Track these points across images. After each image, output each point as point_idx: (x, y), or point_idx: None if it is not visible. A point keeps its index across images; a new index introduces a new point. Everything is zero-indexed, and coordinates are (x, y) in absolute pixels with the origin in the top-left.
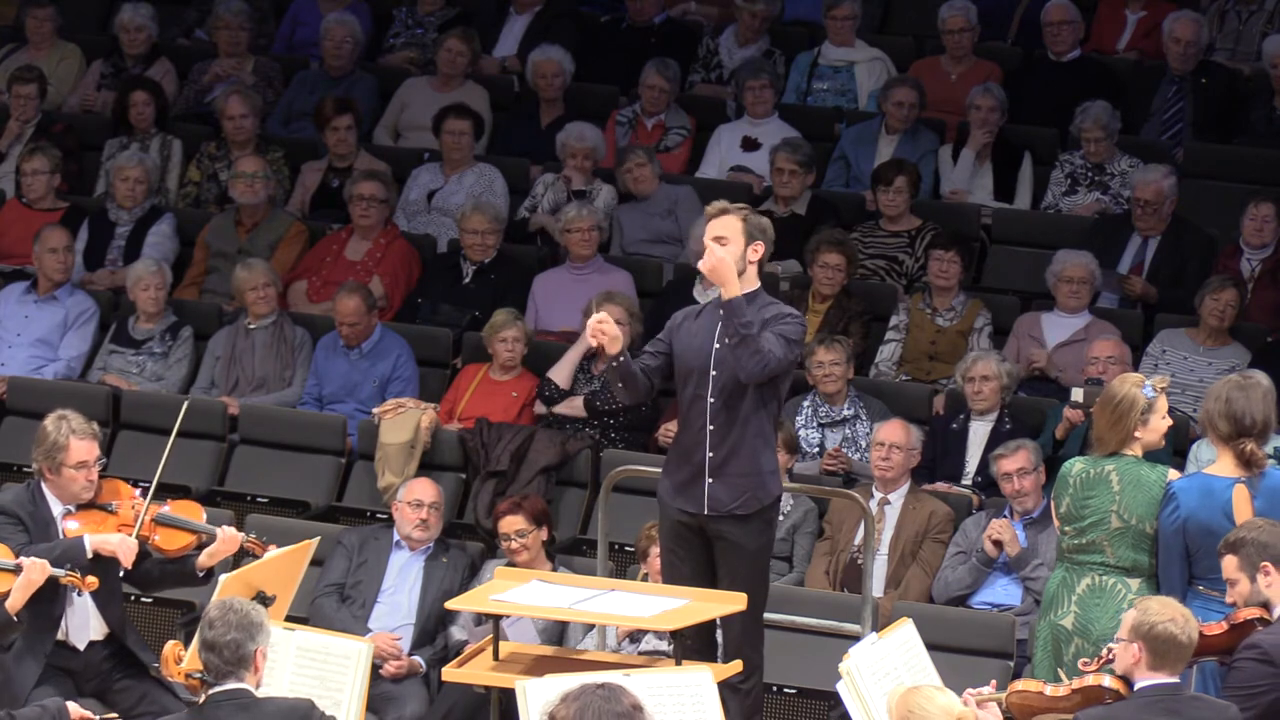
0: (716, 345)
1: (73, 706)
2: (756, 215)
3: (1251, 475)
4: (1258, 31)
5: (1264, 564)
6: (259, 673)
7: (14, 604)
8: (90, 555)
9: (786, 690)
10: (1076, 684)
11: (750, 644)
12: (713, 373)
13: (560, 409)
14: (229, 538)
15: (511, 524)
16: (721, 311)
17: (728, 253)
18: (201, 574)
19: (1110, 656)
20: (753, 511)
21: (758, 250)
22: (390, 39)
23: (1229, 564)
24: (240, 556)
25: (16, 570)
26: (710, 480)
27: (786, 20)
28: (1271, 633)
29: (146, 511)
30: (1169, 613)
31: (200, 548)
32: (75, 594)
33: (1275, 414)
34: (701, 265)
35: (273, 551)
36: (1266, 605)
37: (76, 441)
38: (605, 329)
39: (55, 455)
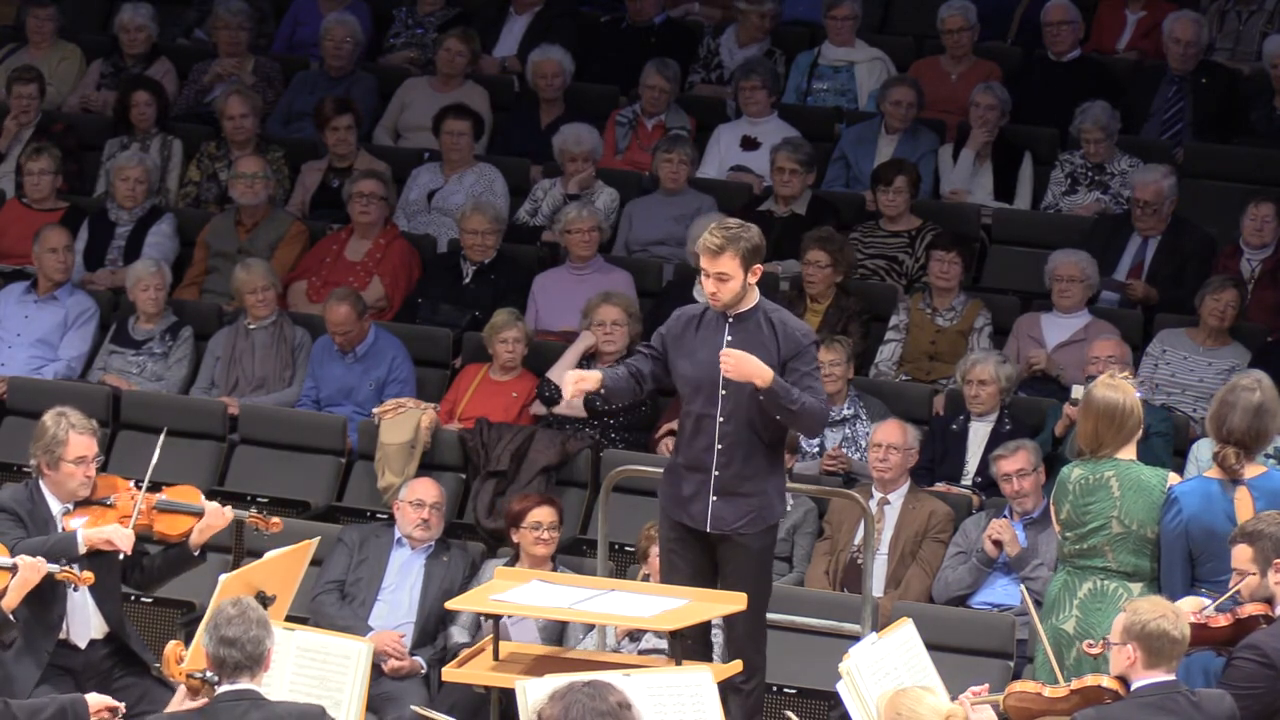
0: None
1: (93, 698)
2: (748, 234)
3: (1235, 480)
4: (1258, 31)
5: (1277, 560)
6: (265, 672)
7: (10, 603)
8: (83, 549)
9: (786, 690)
10: (1075, 685)
11: (754, 644)
12: (723, 392)
13: (560, 409)
14: (215, 511)
15: (548, 515)
16: (762, 399)
17: (730, 288)
18: (197, 553)
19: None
20: (757, 530)
21: (756, 272)
22: (390, 39)
23: (1242, 554)
24: (240, 543)
25: (12, 569)
26: (715, 499)
27: (786, 20)
28: (1272, 634)
29: (144, 500)
30: (1159, 610)
31: None
32: (72, 590)
33: (1272, 425)
34: (725, 371)
35: (274, 552)
36: (1270, 601)
37: (76, 436)
38: (582, 387)
39: (54, 450)
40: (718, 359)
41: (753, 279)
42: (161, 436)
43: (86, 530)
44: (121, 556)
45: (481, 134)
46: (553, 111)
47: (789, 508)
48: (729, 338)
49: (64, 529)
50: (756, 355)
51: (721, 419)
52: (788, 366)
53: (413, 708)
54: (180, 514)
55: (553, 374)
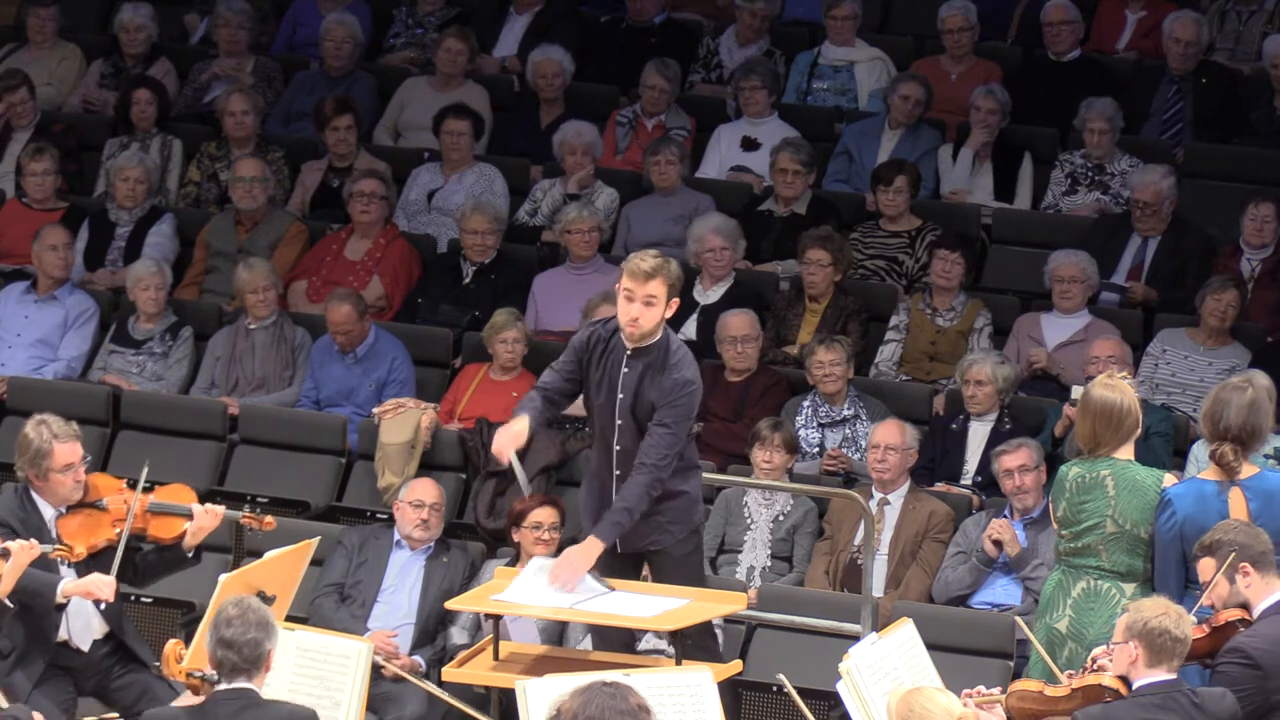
0: (621, 395)
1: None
2: (674, 266)
3: (1231, 479)
4: (1258, 31)
5: (1243, 565)
6: (267, 673)
7: (4, 588)
8: (61, 599)
9: (787, 690)
10: (1076, 683)
11: (702, 648)
12: (618, 422)
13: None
14: (207, 512)
15: (549, 515)
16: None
17: (653, 315)
18: (190, 554)
19: (1096, 667)
20: (663, 547)
21: (674, 305)
22: (390, 39)
23: (1206, 566)
24: (240, 543)
25: (4, 554)
26: None
27: (786, 20)
28: (1254, 635)
29: (137, 504)
30: (1162, 608)
31: None
32: (65, 565)
33: (1265, 423)
34: (558, 587)
35: (274, 551)
36: (1246, 606)
37: (60, 445)
38: (518, 446)
39: (40, 462)
40: (616, 395)
41: (669, 312)
42: (145, 469)
43: (67, 584)
44: (102, 606)
45: (481, 134)
46: (553, 111)
47: (789, 508)
48: (625, 370)
49: (57, 534)
50: (646, 392)
51: (618, 448)
52: (656, 411)
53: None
54: (173, 516)
55: None
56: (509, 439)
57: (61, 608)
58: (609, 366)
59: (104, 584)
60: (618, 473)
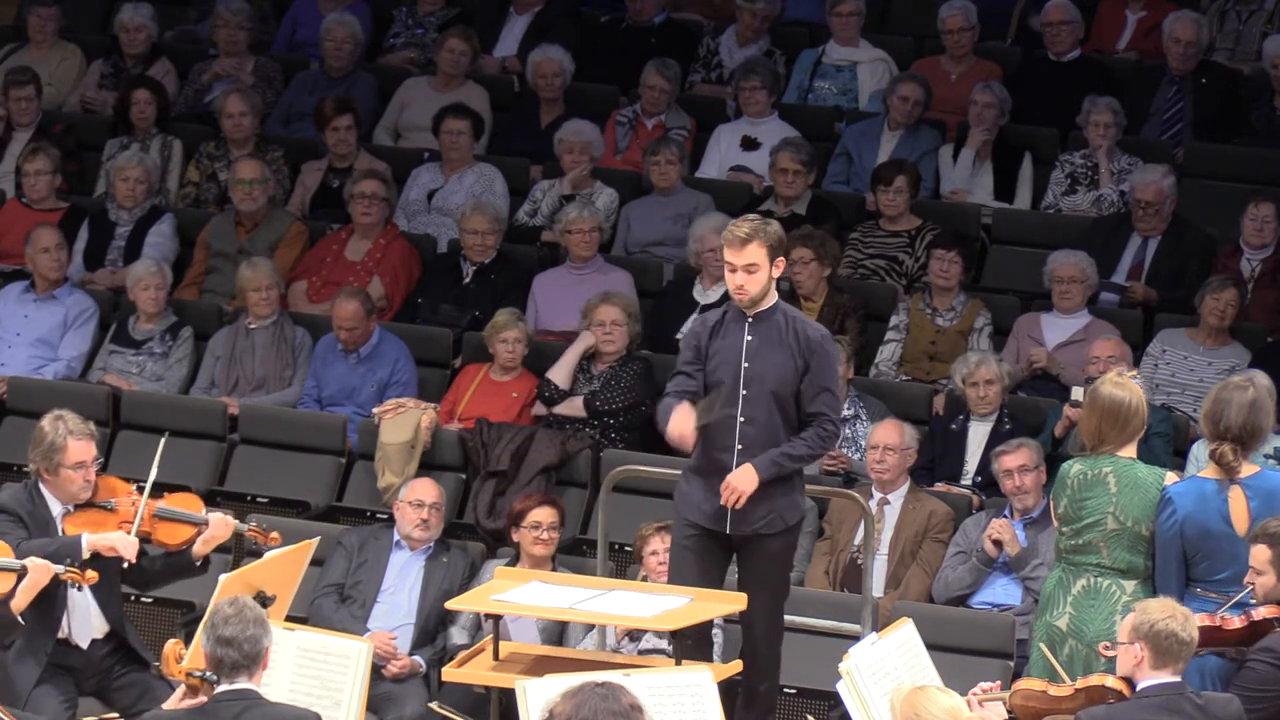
0: (746, 364)
1: None
2: (772, 227)
3: (1231, 478)
4: (1258, 31)
5: None
6: (264, 671)
7: (19, 605)
8: (87, 554)
9: (786, 690)
10: (1080, 684)
11: (769, 645)
12: (743, 392)
13: (560, 409)
14: (219, 522)
15: (548, 515)
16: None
17: (758, 280)
18: (199, 563)
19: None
20: (777, 531)
21: (780, 265)
22: (390, 39)
23: (1260, 554)
24: (240, 543)
25: (20, 571)
26: None
27: (787, 20)
28: None
29: (145, 507)
30: (1169, 611)
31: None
32: (75, 589)
33: (1266, 422)
34: (728, 503)
35: (274, 551)
36: None
37: (74, 442)
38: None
39: (53, 456)
40: (740, 361)
41: (776, 272)
42: (161, 444)
43: (91, 536)
44: (125, 565)
45: (481, 134)
46: (553, 111)
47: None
48: (749, 338)
49: (63, 531)
50: (776, 356)
51: (743, 419)
52: (807, 376)
53: (432, 707)
54: (180, 523)
55: (553, 374)
56: (684, 420)
57: (87, 563)
58: (731, 336)
59: (128, 543)
60: (739, 447)
